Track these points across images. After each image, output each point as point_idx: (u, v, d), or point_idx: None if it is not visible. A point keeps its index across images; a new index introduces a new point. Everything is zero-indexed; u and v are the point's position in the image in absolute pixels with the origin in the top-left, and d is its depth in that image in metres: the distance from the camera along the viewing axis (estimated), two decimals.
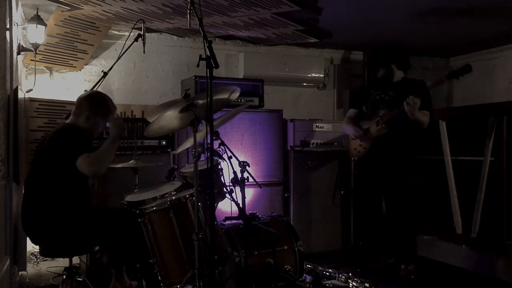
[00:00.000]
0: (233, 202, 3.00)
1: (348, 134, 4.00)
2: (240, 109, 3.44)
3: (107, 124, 3.05)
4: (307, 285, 3.21)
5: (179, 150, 3.52)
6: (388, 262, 3.90)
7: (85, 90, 3.40)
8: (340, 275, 3.53)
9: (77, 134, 2.81)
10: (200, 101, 2.60)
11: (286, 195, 4.45)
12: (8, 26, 3.04)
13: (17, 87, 3.37)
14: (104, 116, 2.98)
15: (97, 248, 2.99)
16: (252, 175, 3.30)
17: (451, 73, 3.46)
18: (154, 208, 2.75)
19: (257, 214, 3.44)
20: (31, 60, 4.05)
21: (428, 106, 3.62)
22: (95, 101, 2.97)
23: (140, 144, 3.86)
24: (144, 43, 3.59)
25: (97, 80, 3.64)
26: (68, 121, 2.97)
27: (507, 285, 3.58)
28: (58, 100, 4.02)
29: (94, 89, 3.38)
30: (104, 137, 3.73)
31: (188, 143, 3.23)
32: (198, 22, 2.45)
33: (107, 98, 3.02)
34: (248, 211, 3.26)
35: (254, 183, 3.37)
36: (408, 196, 3.72)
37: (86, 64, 4.67)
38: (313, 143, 4.51)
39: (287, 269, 3.16)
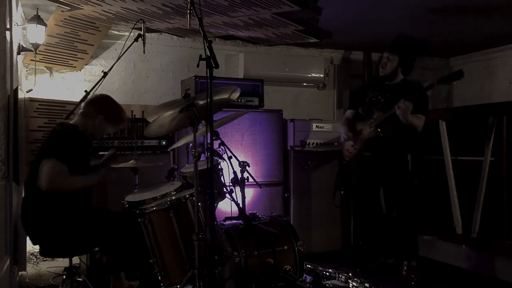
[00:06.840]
0: (233, 202, 3.01)
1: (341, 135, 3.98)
2: (239, 114, 3.45)
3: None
4: (307, 285, 3.21)
5: (174, 146, 3.57)
6: (388, 262, 3.89)
7: (86, 91, 3.38)
8: (340, 275, 3.54)
9: (79, 137, 2.79)
10: (200, 101, 2.60)
11: (286, 195, 4.44)
12: (8, 26, 3.03)
13: (17, 87, 3.37)
14: (115, 125, 2.96)
15: (97, 248, 2.98)
16: (252, 175, 3.29)
17: (443, 78, 3.41)
18: (154, 208, 2.76)
19: (257, 214, 3.44)
20: (31, 60, 4.05)
21: (423, 110, 3.53)
22: (112, 108, 2.91)
23: (140, 144, 3.86)
24: (144, 43, 3.59)
25: (97, 80, 3.64)
26: (72, 121, 2.91)
27: (507, 285, 3.57)
28: (58, 100, 4.02)
29: (94, 89, 3.38)
30: (104, 137, 3.73)
31: (183, 141, 3.25)
32: (198, 22, 2.45)
33: (121, 108, 2.97)
34: (248, 211, 3.26)
35: (254, 183, 3.37)
36: (408, 196, 3.71)
37: (86, 64, 4.67)
38: (313, 143, 4.50)
39: (287, 269, 3.16)
